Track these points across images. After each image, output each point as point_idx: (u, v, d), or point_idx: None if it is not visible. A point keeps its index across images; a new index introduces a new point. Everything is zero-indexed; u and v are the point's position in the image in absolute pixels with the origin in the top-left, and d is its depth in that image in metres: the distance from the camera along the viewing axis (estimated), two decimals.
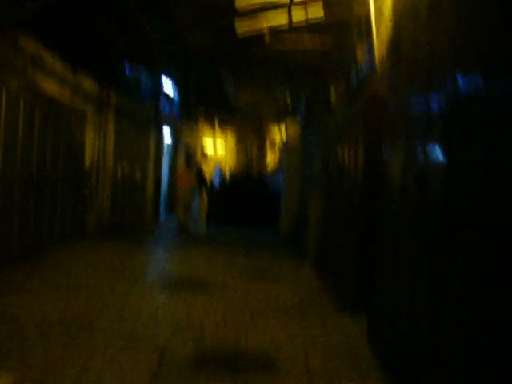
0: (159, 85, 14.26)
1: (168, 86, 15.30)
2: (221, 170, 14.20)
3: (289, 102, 13.17)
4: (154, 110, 13.94)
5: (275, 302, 5.82)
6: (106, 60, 10.66)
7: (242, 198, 14.82)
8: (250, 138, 27.60)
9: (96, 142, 10.44)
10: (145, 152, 13.57)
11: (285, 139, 13.55)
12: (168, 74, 15.11)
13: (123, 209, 12.12)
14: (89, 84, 9.92)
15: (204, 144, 20.48)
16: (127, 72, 12.14)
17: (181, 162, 17.05)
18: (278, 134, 21.00)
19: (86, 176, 9.88)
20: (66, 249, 8.33)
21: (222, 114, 20.17)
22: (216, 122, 22.71)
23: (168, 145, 16.05)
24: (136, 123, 12.73)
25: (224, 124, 23.35)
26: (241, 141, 28.81)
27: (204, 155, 20.40)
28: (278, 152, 32.12)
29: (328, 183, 7.34)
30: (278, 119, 19.04)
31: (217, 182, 14.15)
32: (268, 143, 31.46)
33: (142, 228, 12.61)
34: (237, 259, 8.79)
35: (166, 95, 15.10)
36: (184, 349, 4.03)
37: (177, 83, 16.28)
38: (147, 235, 11.43)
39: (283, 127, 21.06)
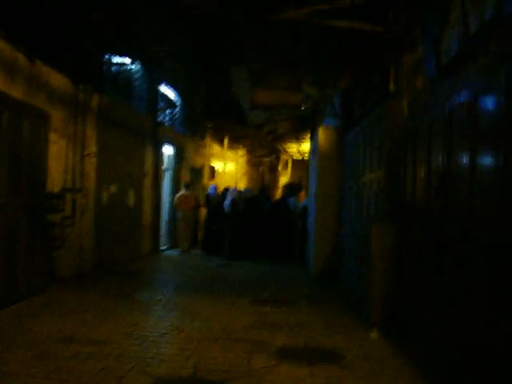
0: (157, 91, 11.81)
1: (169, 94, 12.82)
2: (232, 191, 11.71)
3: (319, 101, 10.66)
4: (150, 120, 11.46)
5: None
6: (85, 52, 8.23)
7: (258, 222, 12.22)
8: (266, 154, 25.13)
9: (70, 156, 7.93)
10: (140, 170, 11.06)
11: (312, 150, 10.98)
12: (170, 81, 12.67)
13: (112, 241, 9.55)
14: (56, 79, 7.46)
15: (212, 163, 17.97)
16: (115, 70, 9.71)
17: (186, 180, 14.50)
18: (300, 147, 18.45)
19: (53, 202, 7.35)
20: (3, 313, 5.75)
21: (233, 128, 17.68)
22: (226, 139, 20.25)
23: (169, 162, 13.54)
24: (128, 135, 10.24)
25: (236, 140, 20.88)
26: (254, 158, 26.40)
27: (213, 175, 17.89)
28: (299, 168, 29.74)
29: (427, 204, 4.72)
30: (301, 128, 16.54)
31: (227, 205, 11.60)
32: (287, 159, 28.99)
33: (138, 264, 10.02)
34: (263, 315, 6.15)
35: (167, 104, 12.61)
36: None
37: (180, 93, 13.83)
38: (141, 275, 8.82)
39: (308, 138, 18.56)
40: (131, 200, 10.55)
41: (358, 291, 6.59)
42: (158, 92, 11.76)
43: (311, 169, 11.92)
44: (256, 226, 12.07)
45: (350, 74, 8.52)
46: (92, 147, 8.58)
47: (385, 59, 6.43)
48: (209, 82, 16.60)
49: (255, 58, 8.40)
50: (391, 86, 6.25)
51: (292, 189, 14.65)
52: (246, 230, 11.82)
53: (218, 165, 18.91)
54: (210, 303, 6.59)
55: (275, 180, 29.77)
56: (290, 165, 30.88)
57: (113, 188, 9.58)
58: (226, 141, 20.37)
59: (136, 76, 10.59)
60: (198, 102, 15.64)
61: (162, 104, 12.12)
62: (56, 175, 7.51)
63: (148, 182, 11.52)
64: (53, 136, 7.20)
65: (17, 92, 6.30)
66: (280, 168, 30.71)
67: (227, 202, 11.82)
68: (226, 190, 12.45)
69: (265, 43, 8.28)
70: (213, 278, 8.83)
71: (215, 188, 13.93)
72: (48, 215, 7.08)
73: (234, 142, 21.42)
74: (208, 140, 17.43)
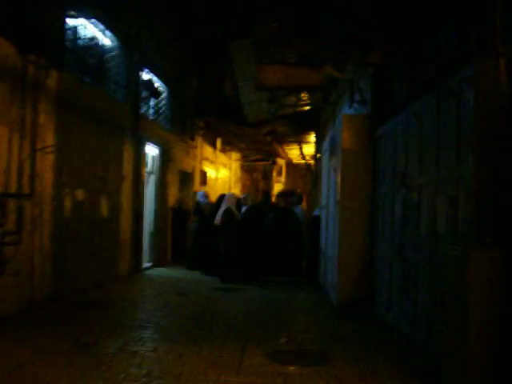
0: (138, 76, 9.71)
1: (154, 83, 10.70)
2: (229, 197, 9.65)
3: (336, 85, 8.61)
4: (130, 111, 9.37)
5: None
6: (37, 8, 6.15)
7: (261, 235, 10.15)
8: (261, 158, 23.09)
9: (14, 150, 5.83)
10: (116, 172, 8.95)
11: (328, 149, 8.98)
12: (154, 68, 10.58)
13: (77, 262, 7.44)
14: None
15: (204, 166, 15.89)
16: (82, 44, 7.63)
17: (173, 188, 12.39)
18: (302, 149, 16.44)
19: None
20: None
21: (227, 128, 15.61)
22: (219, 140, 18.17)
23: (154, 164, 11.44)
24: (101, 127, 8.16)
25: (229, 143, 18.82)
26: (249, 163, 24.40)
27: (204, 181, 15.82)
28: (294, 175, 27.70)
29: None
30: (304, 128, 14.53)
31: (221, 214, 9.55)
32: (281, 165, 26.96)
33: (112, 290, 7.91)
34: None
35: (152, 95, 10.50)
36: None
37: (167, 83, 11.75)
38: (113, 308, 6.69)
39: (311, 139, 16.55)
40: (104, 209, 8.44)
41: (428, 345, 4.55)
42: (139, 78, 9.66)
43: (324, 172, 9.90)
44: (258, 240, 9.99)
45: (386, 43, 6.52)
46: (48, 139, 6.49)
47: (461, 8, 4.44)
48: (200, 74, 14.60)
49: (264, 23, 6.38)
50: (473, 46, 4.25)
51: (291, 196, 12.55)
52: (246, 245, 9.75)
53: (209, 169, 16.83)
54: (209, 361, 4.49)
55: (269, 187, 27.74)
56: (284, 171, 28.94)
57: (79, 194, 7.47)
58: (218, 142, 18.31)
59: (111, 55, 8.50)
60: (187, 97, 13.57)
61: (144, 93, 10.01)
62: None
63: (127, 186, 9.41)
64: None
65: None
66: (274, 174, 28.74)
67: (220, 211, 9.75)
68: (222, 196, 10.36)
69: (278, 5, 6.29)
70: (208, 312, 6.72)
71: (204, 195, 11.84)
72: None
73: (228, 145, 19.38)
74: (199, 141, 15.36)
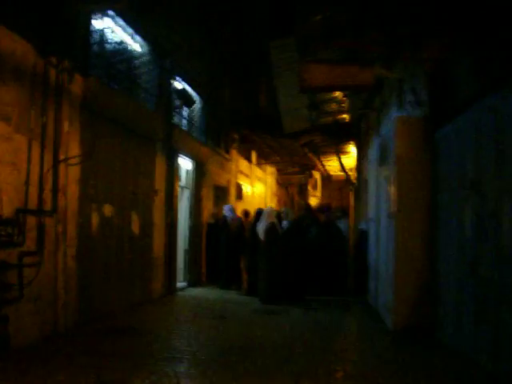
0: (170, 84, 9.15)
1: (187, 92, 10.13)
2: (269, 212, 8.92)
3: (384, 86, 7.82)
4: (162, 121, 8.81)
5: None
6: (61, 9, 5.64)
7: (303, 252, 9.37)
8: (297, 172, 22.39)
9: (35, 161, 5.27)
10: (148, 186, 8.38)
11: (376, 157, 8.20)
12: (187, 77, 10.03)
13: (105, 284, 6.84)
14: (7, 41, 4.87)
15: (240, 180, 15.25)
16: (110, 49, 7.10)
17: (208, 203, 11.78)
18: (342, 160, 15.64)
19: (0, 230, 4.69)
20: None
21: (263, 139, 14.98)
22: (254, 153, 17.55)
23: (187, 178, 10.86)
24: (130, 138, 7.61)
25: (265, 156, 18.18)
26: (284, 176, 23.73)
27: (240, 196, 15.18)
28: (330, 188, 26.80)
29: None
30: (342, 138, 13.74)
31: (262, 230, 8.84)
32: (316, 179, 26.14)
33: (144, 314, 7.28)
34: None
35: (185, 104, 9.92)
36: None
37: (200, 93, 11.19)
38: (145, 336, 6.01)
39: (348, 150, 15.74)
40: (136, 226, 7.84)
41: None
42: (171, 86, 9.09)
43: (372, 183, 9.11)
44: (302, 257, 9.21)
45: (443, 36, 5.75)
46: (72, 149, 5.93)
47: None
48: (234, 86, 14.03)
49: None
50: None
51: (327, 211, 11.72)
52: (288, 263, 8.99)
53: (245, 183, 16.19)
54: None
55: (305, 201, 26.84)
56: (319, 184, 28.06)
57: (107, 209, 6.89)
58: (254, 156, 17.69)
59: (140, 61, 7.98)
60: (221, 108, 12.99)
61: (177, 103, 9.44)
62: (8, 188, 4.85)
63: (160, 201, 8.82)
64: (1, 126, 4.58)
65: None
66: (310, 187, 27.92)
67: (261, 226, 9.02)
68: (260, 211, 9.61)
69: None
70: (250, 339, 5.97)
71: (231, 209, 11.07)
72: None
73: (263, 158, 18.74)
74: (234, 154, 14.75)
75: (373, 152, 9.56)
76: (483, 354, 4.67)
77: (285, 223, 9.57)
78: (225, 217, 10.87)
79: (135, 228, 7.83)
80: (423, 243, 6.28)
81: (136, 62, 7.88)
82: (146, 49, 8.15)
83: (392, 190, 6.64)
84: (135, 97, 7.91)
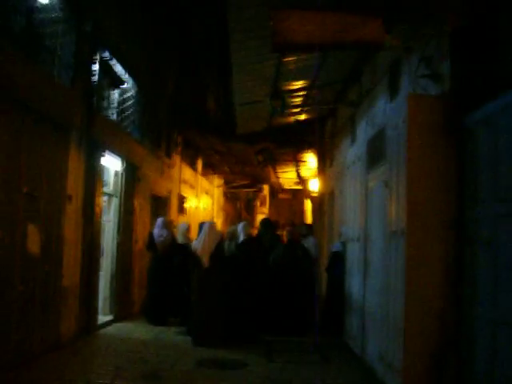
0: (92, 55, 6.90)
1: (113, 68, 7.89)
2: (208, 226, 6.68)
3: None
4: (80, 102, 6.57)
5: None
6: None
7: (260, 280, 7.34)
8: (247, 185, 20.43)
9: None
10: (56, 189, 6.10)
11: (375, 150, 6.34)
12: (119, 55, 7.82)
13: None
14: None
15: (183, 191, 13.06)
16: None
17: (143, 215, 9.53)
18: (300, 171, 13.80)
19: None
20: None
21: (211, 143, 12.90)
22: (200, 160, 15.43)
23: (117, 183, 8.61)
24: (29, 119, 5.35)
25: (211, 165, 16.09)
26: (232, 189, 21.72)
27: (182, 209, 12.98)
28: (277, 205, 24.98)
29: None
30: (301, 145, 11.90)
31: (203, 250, 6.66)
32: (286, 186, 23.63)
33: (39, 370, 4.99)
34: None
35: (112, 83, 7.68)
36: None
37: (136, 78, 9.00)
38: None
39: (304, 159, 13.91)
40: (34, 243, 5.54)
41: None
42: (93, 58, 6.85)
43: (352, 193, 7.25)
44: (258, 287, 7.18)
45: None
46: None
47: None
48: (179, 80, 11.90)
49: None
50: None
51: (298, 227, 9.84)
52: (239, 294, 6.95)
53: (189, 195, 14.00)
54: None
55: (252, 218, 24.92)
56: (267, 200, 26.25)
57: None
58: (199, 163, 15.56)
59: (49, 16, 5.76)
60: (163, 102, 10.85)
61: (103, 81, 7.22)
62: None
63: (74, 211, 6.55)
64: None
65: None
66: (258, 203, 26.07)
67: (201, 244, 6.91)
68: (202, 225, 7.43)
69: None
70: None
71: (159, 225, 8.61)
72: None
73: (210, 167, 16.66)
74: (177, 160, 12.60)
75: (350, 156, 7.72)
76: None
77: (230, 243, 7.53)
78: (151, 233, 8.54)
79: (33, 246, 5.53)
80: (446, 274, 4.39)
81: (42, 17, 5.66)
82: (56, 1, 5.94)
83: (400, 199, 4.73)
84: (40, 64, 5.67)
